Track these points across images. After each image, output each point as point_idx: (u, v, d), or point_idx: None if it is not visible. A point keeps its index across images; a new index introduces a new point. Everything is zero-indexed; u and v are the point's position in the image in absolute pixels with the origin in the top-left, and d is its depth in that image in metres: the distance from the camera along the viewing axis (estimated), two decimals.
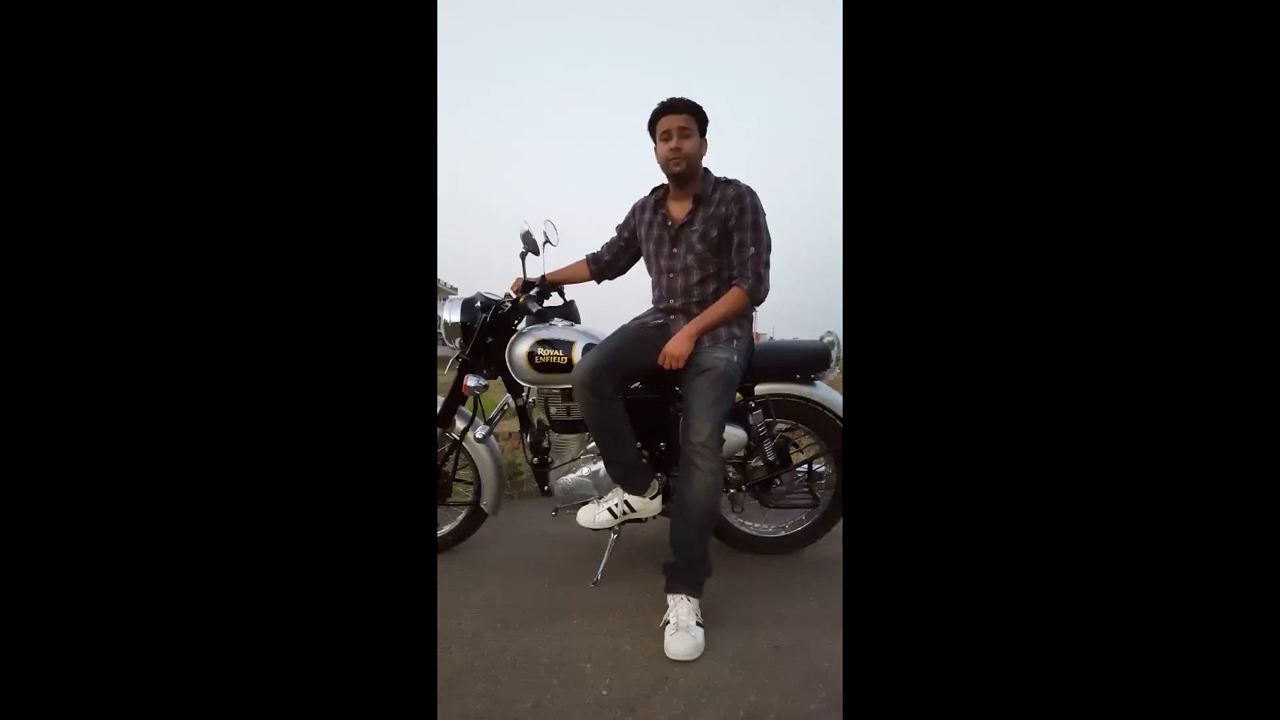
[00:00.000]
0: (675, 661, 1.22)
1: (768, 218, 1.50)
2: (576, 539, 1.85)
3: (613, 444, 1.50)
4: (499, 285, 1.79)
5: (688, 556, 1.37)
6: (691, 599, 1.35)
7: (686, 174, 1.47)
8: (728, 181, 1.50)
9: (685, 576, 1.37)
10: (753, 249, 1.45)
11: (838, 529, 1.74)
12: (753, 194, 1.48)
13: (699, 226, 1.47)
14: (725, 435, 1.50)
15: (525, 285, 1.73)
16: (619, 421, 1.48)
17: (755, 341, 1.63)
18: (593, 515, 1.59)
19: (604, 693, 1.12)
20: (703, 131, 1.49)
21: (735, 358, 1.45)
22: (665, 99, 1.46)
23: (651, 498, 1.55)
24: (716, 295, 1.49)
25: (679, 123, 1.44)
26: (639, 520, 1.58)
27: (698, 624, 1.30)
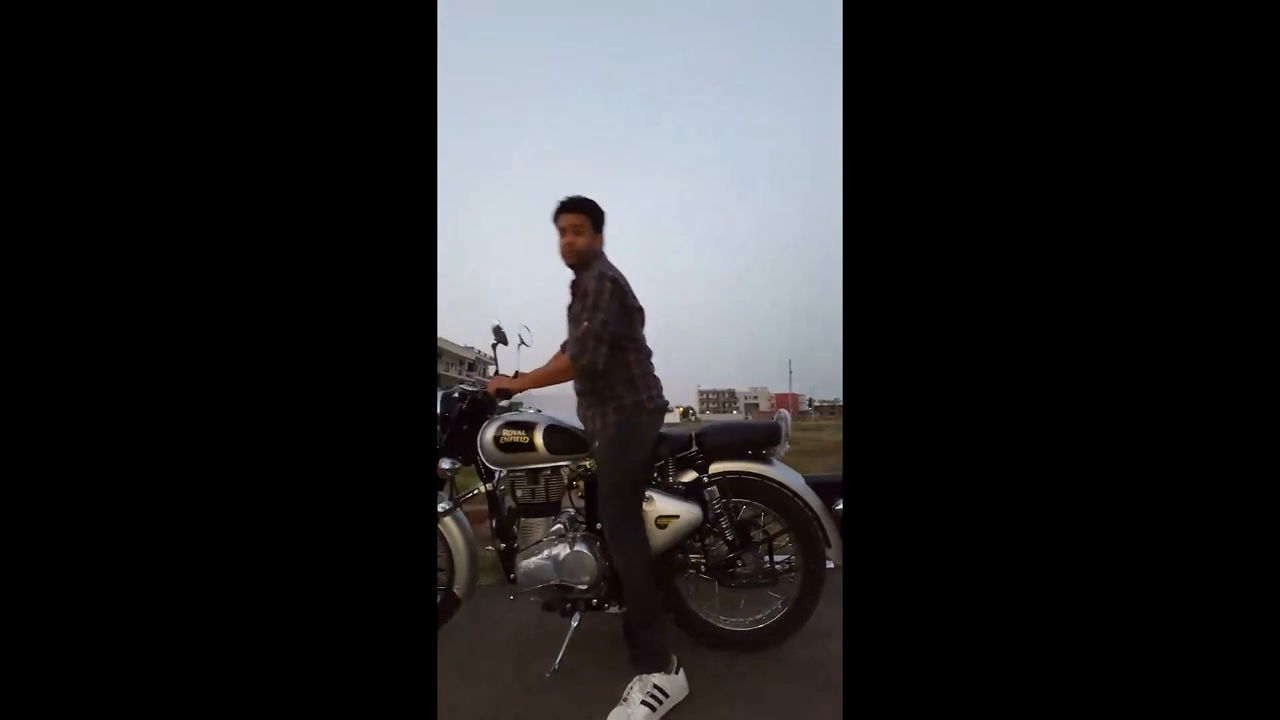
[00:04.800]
0: None
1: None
2: (541, 628, 1.81)
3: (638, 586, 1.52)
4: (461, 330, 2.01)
5: (631, 635, 1.52)
6: (645, 676, 1.43)
7: (577, 266, 1.70)
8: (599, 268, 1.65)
9: (635, 653, 1.50)
10: (585, 322, 1.57)
11: (813, 623, 1.68)
12: (600, 279, 1.58)
13: (573, 311, 1.66)
14: (680, 512, 1.58)
15: (500, 391, 1.78)
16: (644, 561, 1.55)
17: (773, 409, 1.78)
18: (633, 715, 1.38)
19: None
20: (597, 227, 1.71)
21: (598, 443, 1.62)
22: (564, 198, 1.69)
23: (676, 671, 1.47)
24: (600, 380, 1.62)
25: (573, 221, 1.68)
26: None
27: (643, 702, 1.38)
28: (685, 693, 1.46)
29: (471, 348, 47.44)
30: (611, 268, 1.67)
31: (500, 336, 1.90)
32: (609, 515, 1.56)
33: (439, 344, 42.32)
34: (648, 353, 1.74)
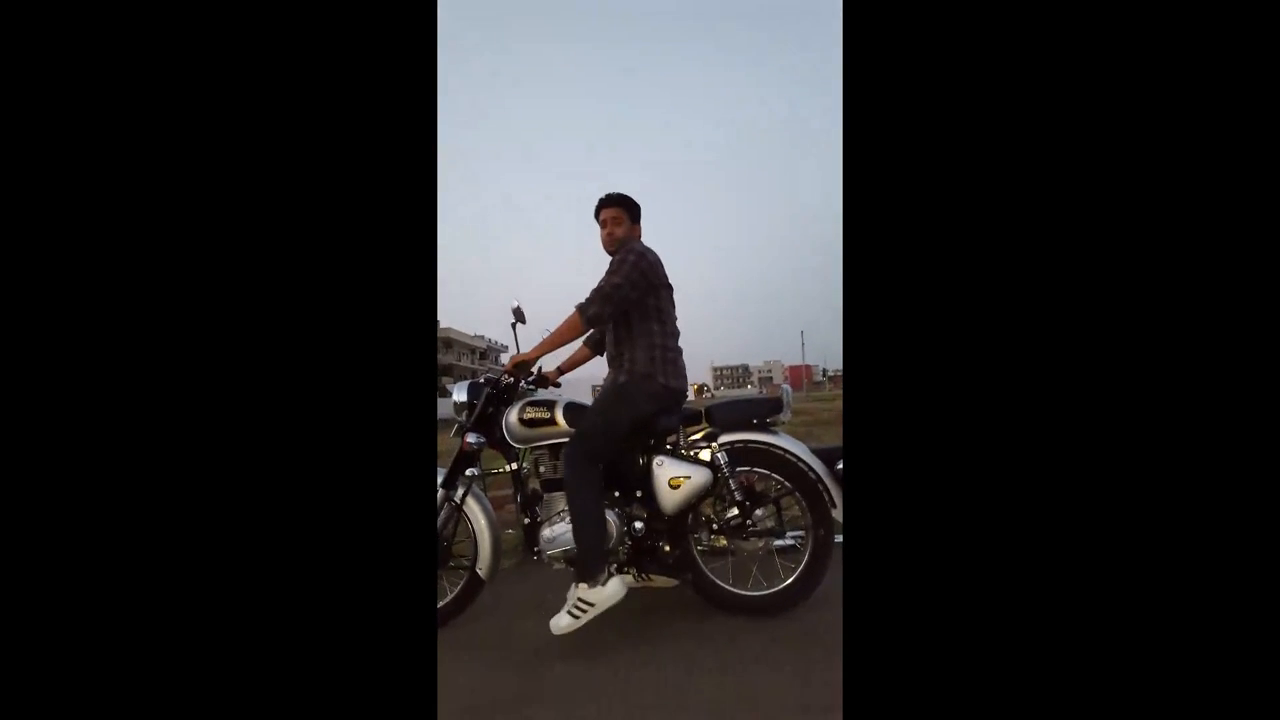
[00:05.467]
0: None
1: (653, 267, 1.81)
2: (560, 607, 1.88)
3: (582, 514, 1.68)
4: (485, 324, 2.12)
5: (576, 548, 1.69)
6: (575, 588, 1.64)
7: (616, 253, 1.87)
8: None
9: (576, 563, 1.68)
10: (602, 281, 1.79)
11: (820, 592, 1.75)
12: (628, 251, 1.79)
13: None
14: (691, 474, 1.69)
15: (520, 366, 1.89)
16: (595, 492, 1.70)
17: (786, 383, 2.08)
18: (557, 622, 1.64)
19: None
20: (634, 219, 1.94)
21: (590, 412, 1.81)
22: (604, 195, 1.93)
23: (604, 583, 1.64)
24: (624, 351, 1.84)
25: (612, 214, 1.91)
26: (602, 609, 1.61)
27: (568, 611, 1.63)
28: (614, 600, 1.64)
29: (481, 337, 47.74)
30: (643, 246, 1.87)
31: (519, 316, 2.00)
32: (568, 453, 1.71)
33: (449, 334, 42.57)
34: (674, 333, 1.89)
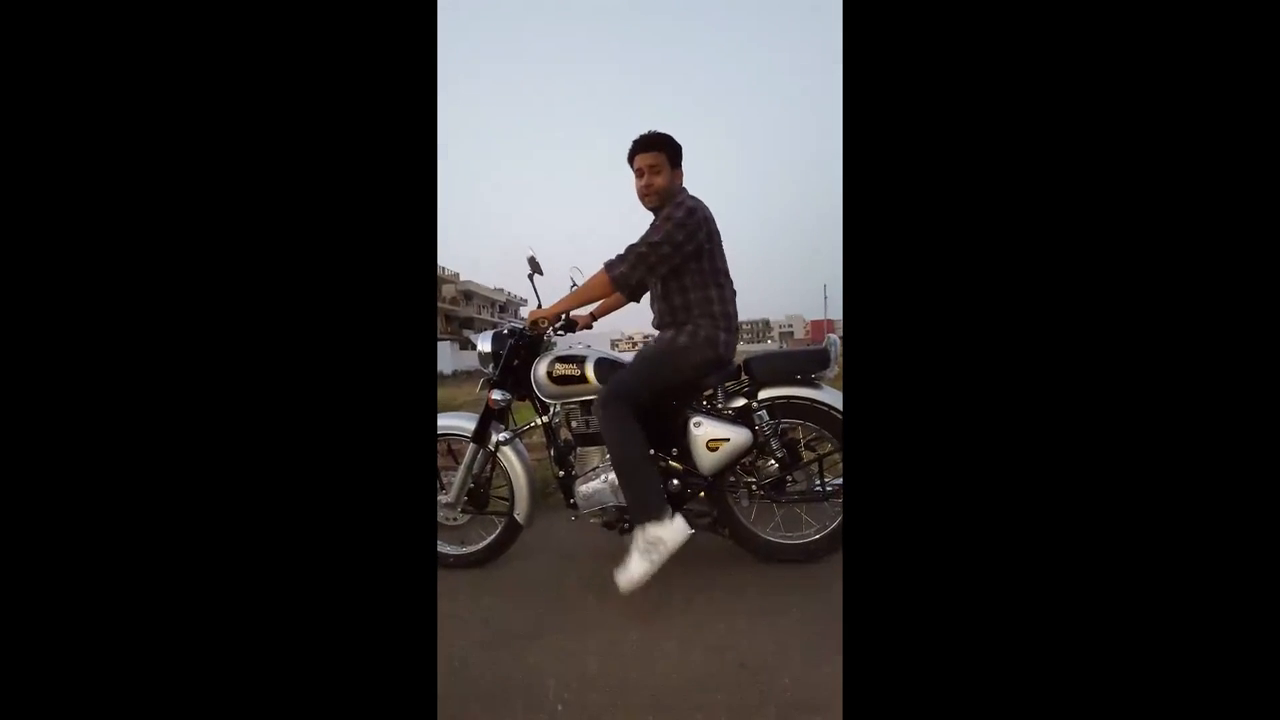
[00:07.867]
0: (632, 675, 1.26)
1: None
2: (596, 555, 1.91)
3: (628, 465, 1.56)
4: (494, 273, 2.03)
5: (628, 498, 1.57)
6: (640, 529, 1.50)
7: (659, 207, 1.65)
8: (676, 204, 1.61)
9: (630, 509, 1.57)
10: (638, 241, 1.60)
11: None
12: (677, 206, 1.58)
13: None
14: (730, 435, 1.63)
15: (538, 322, 1.79)
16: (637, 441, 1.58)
17: (808, 336, 1.86)
18: (631, 574, 1.47)
19: (559, 708, 1.15)
20: (675, 163, 1.67)
21: (635, 363, 1.69)
22: (639, 137, 1.65)
23: (671, 519, 1.51)
24: (673, 313, 1.68)
25: (649, 160, 1.64)
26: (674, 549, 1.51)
27: (642, 556, 1.47)
28: (685, 535, 1.49)
29: (502, 290, 47.84)
30: (692, 199, 1.62)
31: (535, 266, 1.91)
32: (602, 403, 1.58)
33: (470, 287, 42.79)
34: (732, 296, 1.72)
